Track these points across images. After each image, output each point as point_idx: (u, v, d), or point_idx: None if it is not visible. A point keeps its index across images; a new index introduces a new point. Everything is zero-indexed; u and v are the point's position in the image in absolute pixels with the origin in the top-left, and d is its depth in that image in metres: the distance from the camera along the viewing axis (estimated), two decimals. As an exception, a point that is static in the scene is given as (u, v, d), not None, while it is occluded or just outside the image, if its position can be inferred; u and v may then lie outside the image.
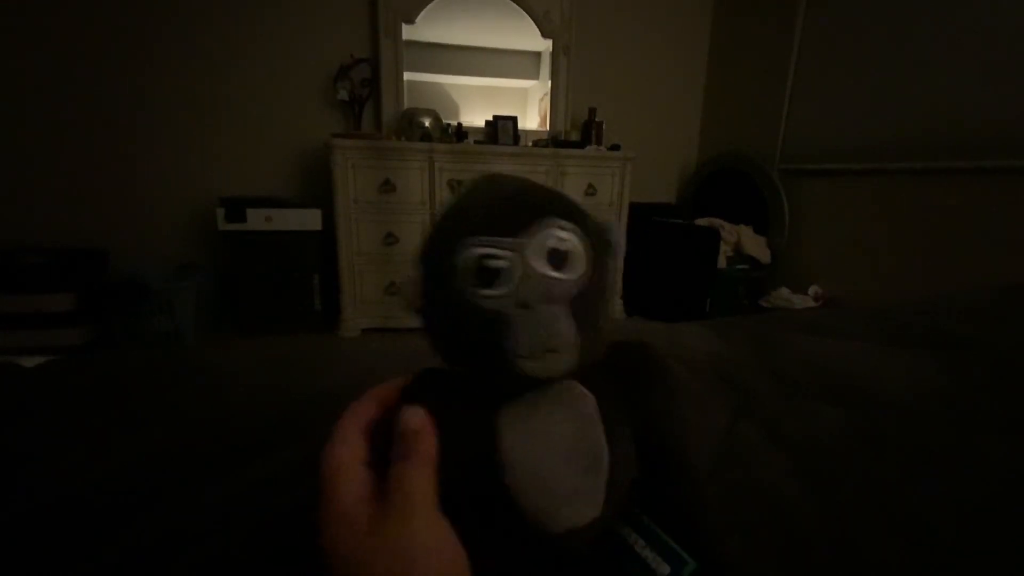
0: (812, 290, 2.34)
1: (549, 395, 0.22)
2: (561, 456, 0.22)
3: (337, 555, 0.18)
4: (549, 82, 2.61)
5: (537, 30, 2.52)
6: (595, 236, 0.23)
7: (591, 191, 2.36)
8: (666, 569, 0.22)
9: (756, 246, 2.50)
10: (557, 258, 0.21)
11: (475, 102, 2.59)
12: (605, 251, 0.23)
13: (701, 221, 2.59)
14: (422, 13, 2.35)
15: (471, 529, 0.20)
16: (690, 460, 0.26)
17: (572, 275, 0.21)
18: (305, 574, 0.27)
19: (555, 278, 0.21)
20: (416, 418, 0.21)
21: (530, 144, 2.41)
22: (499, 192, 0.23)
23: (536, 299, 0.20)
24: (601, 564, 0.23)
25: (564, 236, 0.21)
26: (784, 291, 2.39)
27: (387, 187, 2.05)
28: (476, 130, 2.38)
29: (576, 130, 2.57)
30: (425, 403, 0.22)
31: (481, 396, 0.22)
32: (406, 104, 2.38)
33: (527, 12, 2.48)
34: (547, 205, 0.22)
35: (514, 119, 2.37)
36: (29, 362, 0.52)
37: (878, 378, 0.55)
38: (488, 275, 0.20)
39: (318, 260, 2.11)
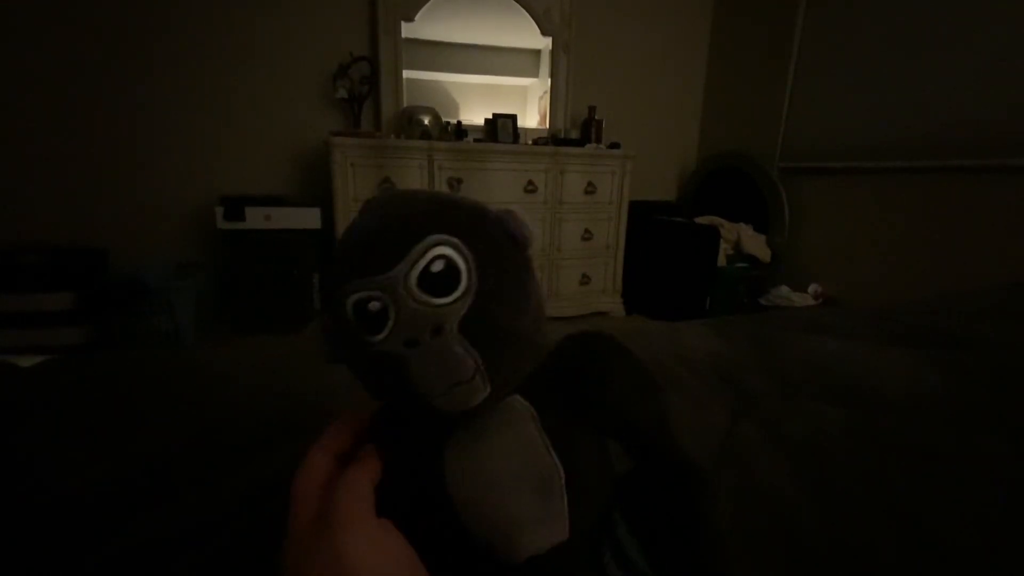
0: (812, 288, 2.34)
1: (490, 420, 0.21)
2: (508, 484, 0.21)
3: (293, 572, 0.19)
4: (549, 80, 2.60)
5: (537, 28, 2.52)
6: (492, 238, 0.21)
7: (591, 189, 2.35)
8: None
9: (756, 245, 2.50)
10: (433, 281, 0.19)
11: (475, 100, 2.59)
12: (507, 249, 0.21)
13: (701, 219, 2.59)
14: (421, 11, 2.35)
15: (439, 559, 0.20)
16: (685, 454, 0.24)
17: (454, 296, 0.19)
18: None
19: (433, 305, 0.19)
20: (366, 452, 0.22)
21: (530, 142, 2.41)
22: (373, 223, 0.21)
23: (421, 333, 0.19)
24: None
25: (440, 253, 0.19)
26: (784, 289, 2.39)
27: (387, 185, 2.04)
28: (476, 128, 2.38)
29: (576, 128, 2.57)
30: (380, 441, 0.22)
31: (429, 429, 0.22)
32: (405, 102, 2.37)
33: (527, 10, 2.48)
34: (417, 223, 0.20)
35: (514, 117, 2.36)
36: (27, 362, 0.52)
37: (878, 378, 0.55)
38: (371, 319, 0.19)
39: (317, 259, 2.11)
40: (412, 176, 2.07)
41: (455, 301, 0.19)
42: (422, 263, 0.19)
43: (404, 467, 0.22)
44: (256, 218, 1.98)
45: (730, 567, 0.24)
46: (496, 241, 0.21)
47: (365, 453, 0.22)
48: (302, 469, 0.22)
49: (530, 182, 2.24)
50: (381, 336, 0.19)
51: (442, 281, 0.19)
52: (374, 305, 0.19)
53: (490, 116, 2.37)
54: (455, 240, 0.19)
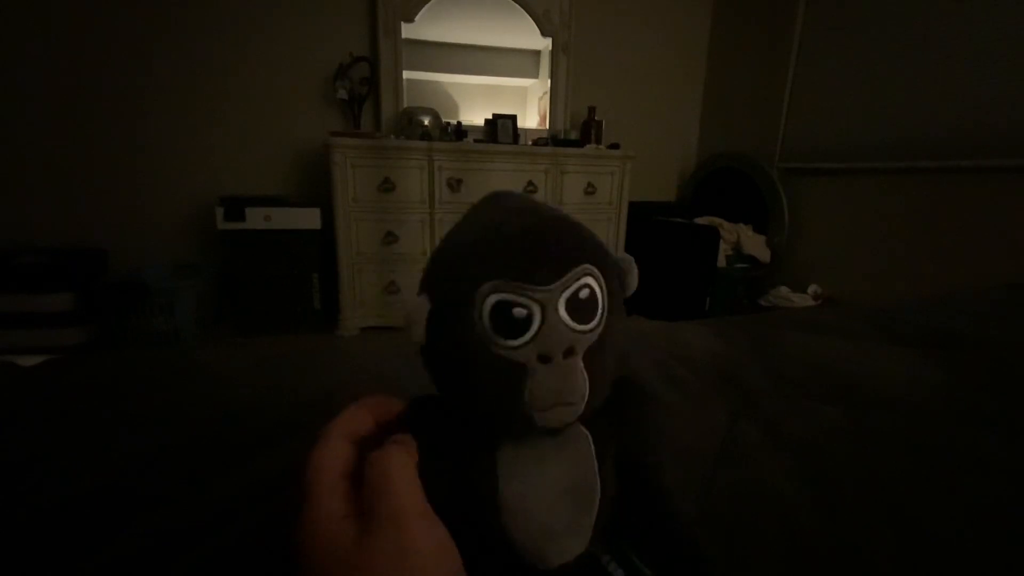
0: (811, 289, 2.34)
1: (549, 438, 0.22)
2: (556, 497, 0.21)
3: (313, 565, 0.17)
4: (548, 81, 2.60)
5: (537, 29, 2.52)
6: (612, 277, 0.22)
7: (590, 190, 2.36)
8: None
9: (756, 245, 2.50)
10: (581, 308, 0.20)
11: (474, 101, 2.59)
12: (620, 293, 0.22)
13: (701, 220, 2.59)
14: (421, 11, 2.35)
15: (467, 554, 0.19)
16: (662, 481, 0.26)
17: (591, 326, 0.20)
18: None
19: (577, 331, 0.19)
20: (398, 438, 0.20)
21: (529, 143, 2.41)
22: (528, 229, 0.21)
23: (557, 352, 0.19)
24: None
25: (588, 283, 0.20)
26: (783, 290, 2.39)
27: (386, 186, 2.05)
28: (476, 129, 2.38)
29: (576, 129, 2.57)
30: (425, 435, 0.21)
31: (480, 434, 0.22)
32: (405, 103, 2.38)
33: (527, 11, 2.48)
34: (580, 251, 0.20)
35: (513, 118, 2.36)
36: (27, 361, 0.52)
37: (878, 378, 0.55)
38: (510, 325, 0.19)
39: (317, 259, 2.11)
40: (412, 176, 2.07)
41: (592, 330, 0.20)
42: (574, 287, 0.19)
43: (452, 462, 0.21)
44: (256, 218, 1.98)
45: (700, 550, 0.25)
46: (616, 281, 0.22)
47: (401, 438, 0.20)
48: (320, 452, 0.20)
49: (530, 183, 2.24)
50: (518, 343, 0.19)
51: (586, 309, 0.20)
52: (520, 312, 0.19)
53: (490, 117, 2.37)
54: (598, 272, 0.21)
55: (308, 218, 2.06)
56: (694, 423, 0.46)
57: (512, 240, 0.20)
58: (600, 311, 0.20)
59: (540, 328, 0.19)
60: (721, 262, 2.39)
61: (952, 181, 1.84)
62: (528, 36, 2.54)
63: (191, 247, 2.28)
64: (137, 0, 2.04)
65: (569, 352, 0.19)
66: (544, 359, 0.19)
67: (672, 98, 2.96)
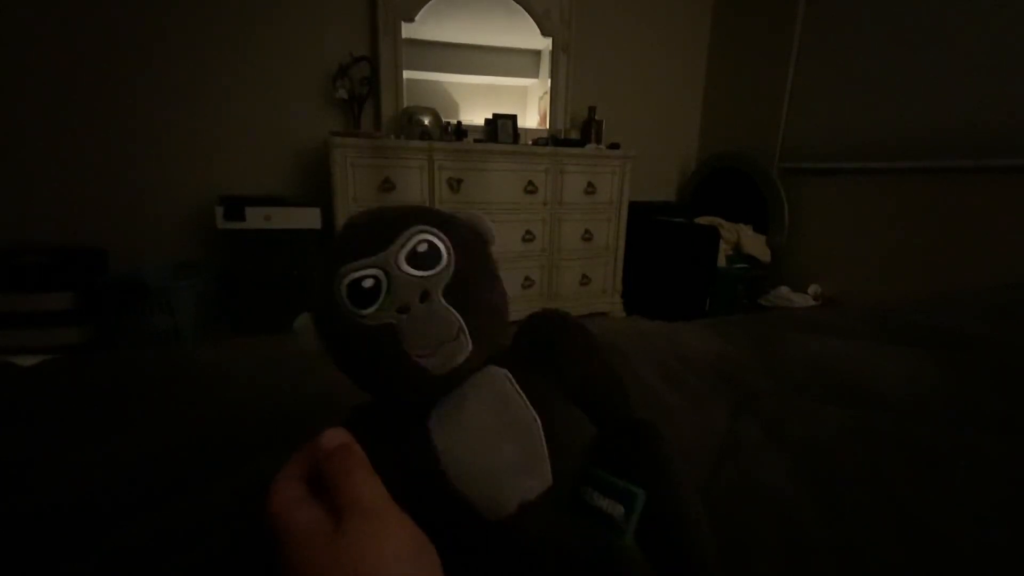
0: (812, 289, 2.34)
1: (469, 386, 0.23)
2: (490, 437, 0.22)
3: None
4: (549, 80, 2.60)
5: (537, 28, 2.52)
6: (463, 232, 0.25)
7: (591, 190, 2.35)
8: (620, 509, 0.24)
9: (756, 245, 2.50)
10: (419, 259, 0.22)
11: (475, 100, 2.59)
12: (476, 241, 0.25)
13: (701, 220, 2.59)
14: (421, 11, 2.35)
15: (434, 532, 0.20)
16: (631, 410, 0.27)
17: (438, 269, 0.22)
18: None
19: (424, 276, 0.22)
20: (335, 434, 0.21)
21: (530, 143, 2.41)
22: (360, 224, 0.24)
23: (411, 299, 0.22)
24: (567, 534, 0.24)
25: (424, 238, 0.23)
26: (784, 290, 2.39)
27: (387, 186, 2.05)
28: (476, 128, 2.38)
29: (576, 129, 2.57)
30: (361, 429, 0.22)
31: (408, 412, 0.23)
32: (405, 102, 2.37)
33: (527, 10, 2.48)
34: (402, 219, 0.23)
35: (514, 117, 2.36)
36: (27, 361, 0.52)
37: (878, 378, 0.55)
38: (364, 295, 0.22)
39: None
40: (412, 176, 2.07)
41: (439, 273, 0.22)
42: (409, 245, 0.22)
43: (391, 447, 0.22)
44: (256, 218, 1.98)
45: (699, 517, 0.26)
46: (466, 234, 0.25)
47: (345, 444, 0.21)
48: (278, 485, 0.21)
49: (530, 182, 2.24)
50: (374, 307, 0.22)
51: (427, 258, 0.22)
52: (367, 282, 0.22)
53: (490, 116, 2.37)
54: (434, 229, 0.23)
55: (308, 218, 2.06)
56: (694, 423, 0.45)
57: (344, 233, 0.24)
58: (445, 256, 0.23)
59: (389, 286, 0.22)
60: (721, 262, 2.39)
61: (952, 181, 1.84)
62: (528, 36, 2.54)
63: (191, 247, 2.28)
64: (137, 0, 2.04)
65: (425, 296, 0.22)
66: (403, 309, 0.21)
67: (672, 98, 2.96)
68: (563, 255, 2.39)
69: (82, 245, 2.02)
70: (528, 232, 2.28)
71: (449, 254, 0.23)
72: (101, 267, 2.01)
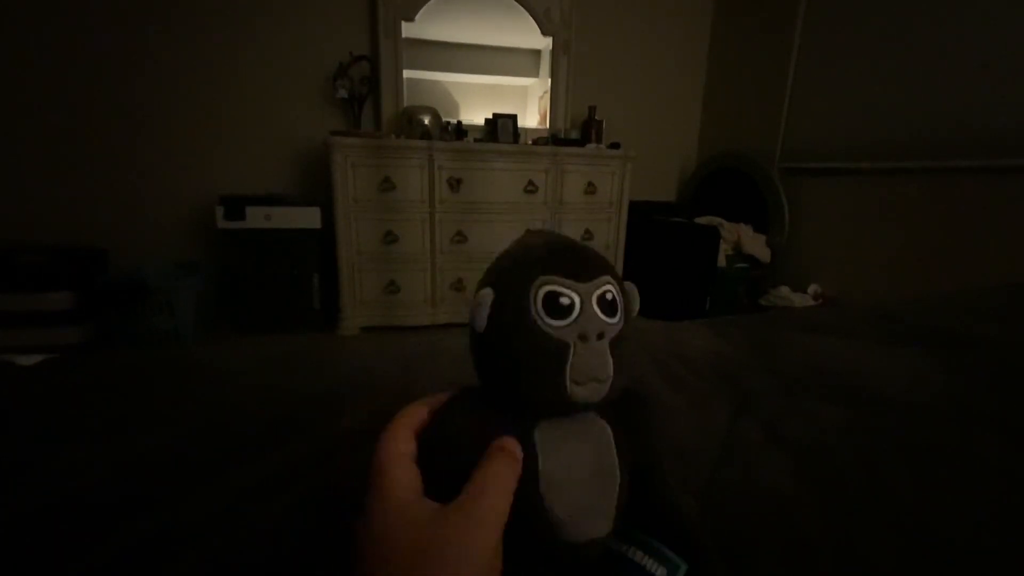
0: (812, 289, 2.34)
1: (577, 423, 0.25)
2: (587, 475, 0.25)
3: (389, 543, 0.19)
4: (549, 80, 2.60)
5: (537, 28, 2.52)
6: (627, 296, 0.28)
7: (591, 189, 2.35)
8: (663, 571, 0.26)
9: (756, 245, 2.50)
10: (606, 306, 0.25)
11: (475, 100, 2.59)
12: (631, 308, 0.28)
13: (701, 220, 2.59)
14: (422, 11, 2.35)
15: (508, 536, 0.21)
16: (668, 482, 0.30)
17: (615, 320, 0.25)
18: (305, 572, 0.27)
19: (606, 321, 0.24)
20: (515, 446, 0.23)
21: (530, 142, 2.41)
22: (570, 245, 0.27)
23: (592, 334, 0.24)
24: (606, 571, 0.26)
25: (609, 288, 0.25)
26: (784, 290, 2.39)
27: (387, 185, 2.05)
28: (476, 128, 2.38)
29: (576, 128, 2.57)
30: (471, 414, 0.25)
31: (518, 416, 0.25)
32: (406, 102, 2.37)
33: (527, 10, 2.48)
34: (603, 263, 0.27)
35: (514, 117, 2.36)
36: (26, 361, 0.52)
37: (878, 377, 0.55)
38: (557, 310, 0.24)
39: (317, 259, 2.11)
40: (412, 176, 2.07)
41: (615, 323, 0.25)
42: (602, 289, 0.25)
43: (494, 437, 0.24)
44: (256, 218, 1.98)
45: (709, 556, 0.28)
46: (629, 300, 0.28)
47: (517, 457, 0.23)
48: (389, 439, 0.22)
49: (530, 182, 2.24)
50: (564, 323, 0.23)
51: (609, 307, 0.25)
52: (565, 300, 0.24)
53: (490, 116, 2.37)
54: (618, 287, 0.27)
55: (308, 217, 2.06)
56: (694, 423, 0.45)
57: (560, 250, 0.26)
58: (620, 311, 0.26)
59: (579, 315, 0.24)
60: (721, 262, 2.39)
61: (952, 181, 1.84)
62: (528, 35, 2.54)
63: (191, 246, 2.28)
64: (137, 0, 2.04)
65: (600, 336, 0.24)
66: (583, 338, 0.23)
67: (672, 98, 2.96)
68: (563, 255, 2.39)
69: (82, 245, 2.02)
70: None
71: (622, 313, 0.26)
72: (101, 267, 2.01)
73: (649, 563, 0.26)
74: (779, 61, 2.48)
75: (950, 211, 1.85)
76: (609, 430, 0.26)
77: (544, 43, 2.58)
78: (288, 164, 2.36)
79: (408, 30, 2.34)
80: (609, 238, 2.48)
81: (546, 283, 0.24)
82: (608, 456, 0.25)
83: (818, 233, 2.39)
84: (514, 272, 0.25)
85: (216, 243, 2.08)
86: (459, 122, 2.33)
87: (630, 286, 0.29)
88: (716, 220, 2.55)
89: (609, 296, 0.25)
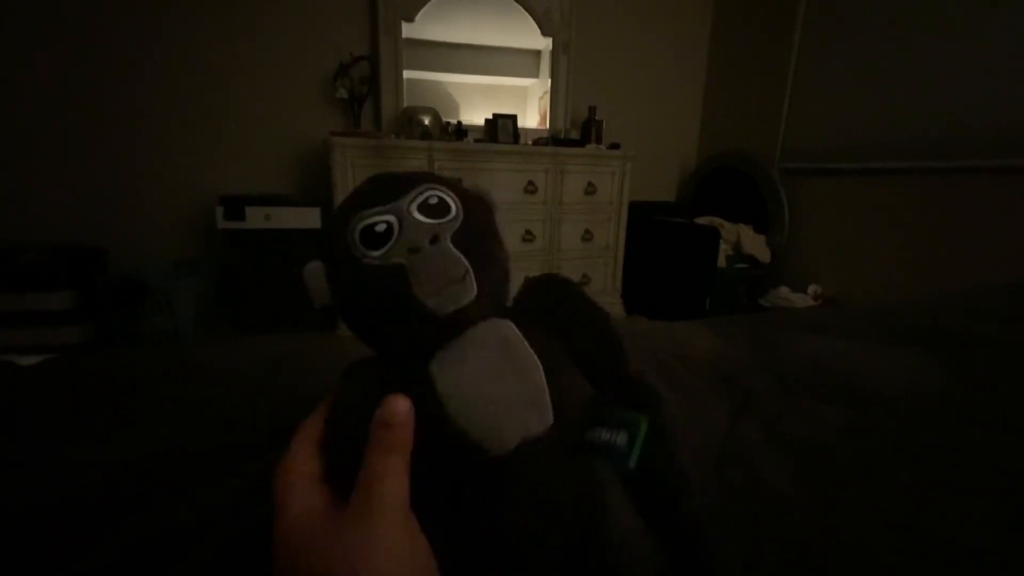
0: (812, 289, 2.34)
1: (476, 336, 0.24)
2: (490, 373, 0.23)
3: (286, 566, 0.18)
4: (549, 80, 2.60)
5: (537, 28, 2.52)
6: (469, 195, 0.27)
7: (591, 189, 2.35)
8: (624, 437, 0.25)
9: (756, 245, 2.50)
10: (430, 210, 0.24)
11: (475, 100, 2.59)
12: (482, 205, 0.27)
13: (701, 220, 2.59)
14: (422, 11, 2.35)
15: (439, 475, 0.21)
16: (630, 372, 0.29)
17: (447, 219, 0.24)
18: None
19: (434, 223, 0.24)
20: (399, 405, 0.21)
21: (530, 142, 2.41)
22: (374, 178, 0.27)
23: (423, 241, 0.23)
24: (569, 476, 0.24)
25: (433, 193, 0.25)
26: (784, 290, 2.39)
27: (386, 185, 2.05)
28: (476, 128, 2.38)
29: (576, 128, 2.57)
30: (360, 381, 0.24)
31: (409, 362, 0.24)
32: (406, 102, 2.37)
33: (527, 10, 2.48)
34: (416, 177, 0.26)
35: (514, 117, 2.36)
36: (27, 361, 0.52)
37: (878, 378, 0.55)
38: (376, 238, 0.23)
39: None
40: (412, 176, 2.07)
41: (448, 221, 0.24)
42: (421, 198, 0.24)
43: (394, 387, 0.22)
44: (256, 218, 1.98)
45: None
46: (473, 198, 0.27)
47: (399, 415, 0.21)
48: (287, 459, 0.21)
49: (530, 182, 2.24)
50: (386, 248, 0.23)
51: (437, 210, 0.24)
52: (380, 226, 0.23)
53: (490, 116, 2.37)
54: (445, 188, 0.26)
55: (308, 217, 2.06)
56: (694, 423, 0.45)
57: (368, 186, 0.26)
58: (454, 208, 0.25)
59: (399, 232, 0.23)
60: (721, 262, 2.39)
61: (952, 181, 1.84)
62: (528, 36, 2.54)
63: (191, 246, 2.28)
64: (137, 0, 2.04)
65: (435, 239, 0.23)
66: (414, 250, 0.23)
67: (672, 97, 2.96)
68: (563, 255, 2.39)
69: (82, 245, 2.02)
70: (528, 232, 2.29)
71: (458, 208, 0.25)
72: (101, 267, 2.01)
73: (610, 436, 0.25)
74: (779, 61, 2.48)
75: (950, 211, 1.85)
76: (506, 323, 0.24)
77: (544, 43, 2.58)
78: (288, 164, 2.36)
79: (408, 30, 2.34)
80: (609, 238, 2.48)
81: (359, 220, 0.23)
82: (519, 351, 0.23)
83: (818, 233, 2.39)
84: (333, 232, 0.25)
85: (216, 243, 2.08)
86: (459, 122, 2.33)
87: (484, 189, 0.28)
88: (716, 220, 2.55)
89: (433, 200, 0.24)
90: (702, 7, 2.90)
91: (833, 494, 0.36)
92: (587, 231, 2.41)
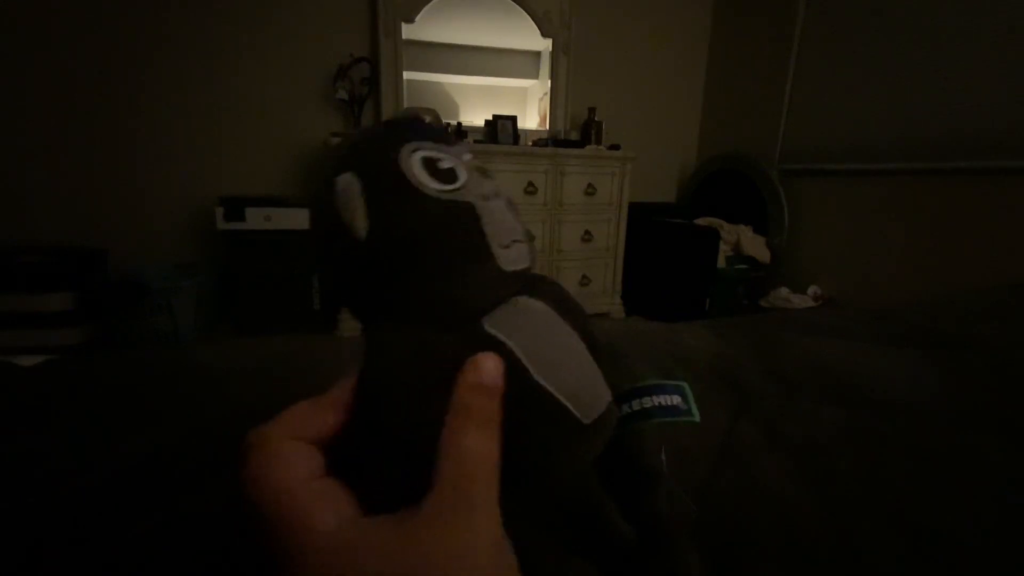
0: (811, 290, 2.34)
1: (515, 301, 0.21)
2: (562, 346, 0.20)
3: None
4: (549, 82, 2.61)
5: (537, 29, 2.52)
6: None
7: (591, 191, 2.36)
8: (676, 398, 0.26)
9: (755, 246, 2.50)
10: (480, 171, 0.22)
11: (475, 101, 2.59)
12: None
13: (701, 221, 2.59)
14: (422, 12, 2.35)
15: (520, 445, 0.18)
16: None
17: (495, 183, 0.22)
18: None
19: (490, 181, 0.21)
20: (491, 361, 0.17)
21: (530, 143, 2.41)
22: (418, 118, 0.23)
23: (491, 193, 0.20)
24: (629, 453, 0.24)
25: (472, 156, 0.22)
26: (783, 291, 2.39)
27: (386, 186, 2.05)
28: (476, 129, 2.38)
29: (576, 130, 2.57)
30: (401, 345, 0.18)
31: (452, 314, 0.19)
32: (406, 103, 2.38)
33: (527, 11, 2.48)
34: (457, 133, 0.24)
35: (514, 118, 2.37)
36: (26, 361, 0.52)
37: (878, 378, 0.55)
38: (441, 174, 0.20)
39: (318, 259, 2.11)
40: (412, 177, 2.07)
41: (496, 184, 0.21)
42: (468, 156, 0.22)
43: (442, 360, 0.18)
44: (256, 218, 1.98)
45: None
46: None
47: (493, 378, 0.17)
48: (278, 470, 0.16)
49: (530, 183, 2.24)
50: (457, 185, 0.20)
51: (482, 171, 0.21)
52: (445, 163, 0.20)
53: (490, 117, 2.37)
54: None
55: (308, 218, 2.06)
56: (694, 424, 0.45)
57: (403, 120, 0.22)
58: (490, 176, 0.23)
59: (466, 179, 0.20)
60: (721, 263, 2.39)
61: (952, 182, 1.84)
62: (528, 37, 2.54)
63: (191, 247, 2.28)
64: (137, 0, 2.04)
65: (495, 196, 0.20)
66: (485, 198, 0.20)
67: (672, 98, 2.96)
68: (563, 256, 2.39)
69: (82, 245, 2.02)
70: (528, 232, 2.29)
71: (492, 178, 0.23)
72: (101, 267, 2.01)
73: (661, 399, 0.25)
74: (779, 62, 2.48)
75: (950, 212, 1.86)
76: (547, 304, 0.21)
77: (544, 44, 2.59)
78: (288, 165, 2.36)
79: (408, 31, 2.35)
80: (609, 239, 2.48)
81: (416, 149, 0.20)
82: (564, 326, 0.21)
83: (818, 234, 2.39)
84: (374, 145, 0.20)
85: (216, 244, 2.08)
86: (459, 123, 2.33)
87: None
88: (716, 221, 2.55)
89: (477, 161, 0.22)
90: (702, 9, 2.91)
91: (833, 494, 0.36)
92: (587, 232, 2.41)
